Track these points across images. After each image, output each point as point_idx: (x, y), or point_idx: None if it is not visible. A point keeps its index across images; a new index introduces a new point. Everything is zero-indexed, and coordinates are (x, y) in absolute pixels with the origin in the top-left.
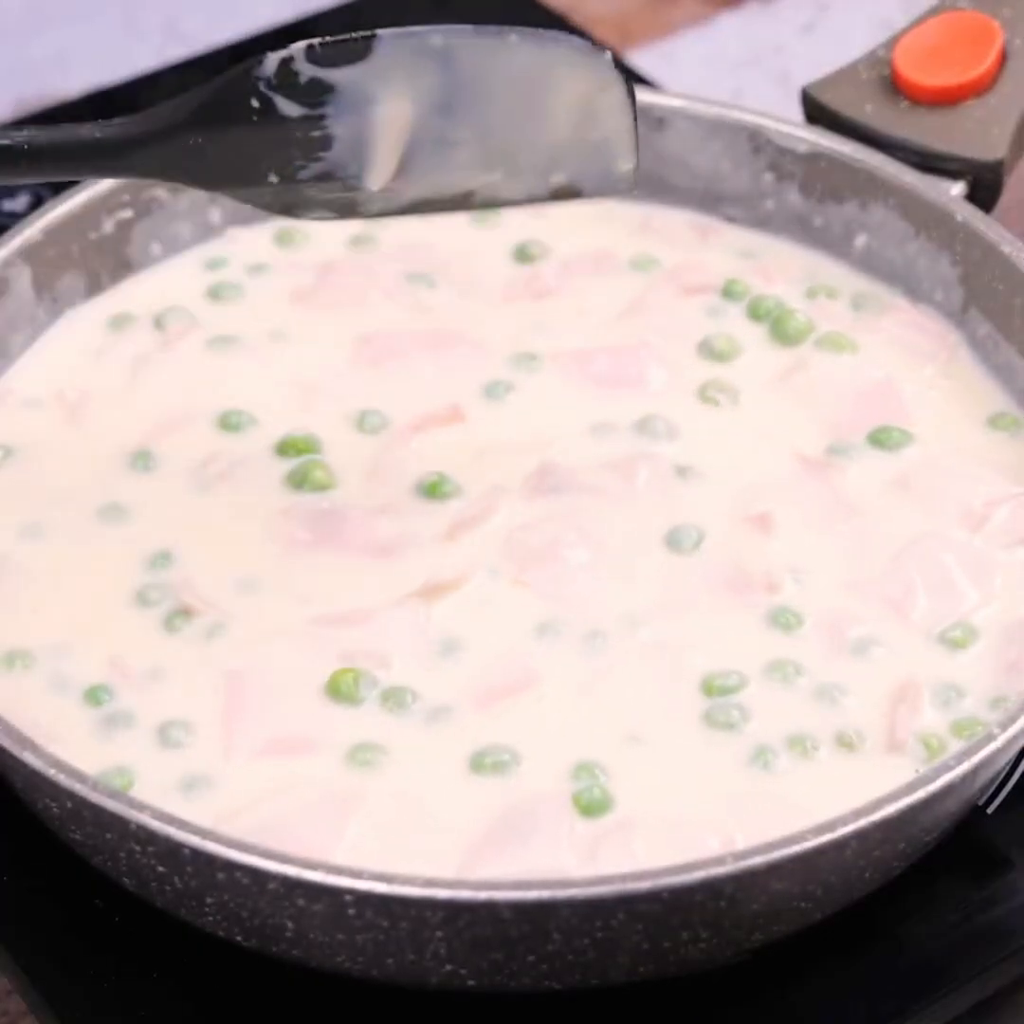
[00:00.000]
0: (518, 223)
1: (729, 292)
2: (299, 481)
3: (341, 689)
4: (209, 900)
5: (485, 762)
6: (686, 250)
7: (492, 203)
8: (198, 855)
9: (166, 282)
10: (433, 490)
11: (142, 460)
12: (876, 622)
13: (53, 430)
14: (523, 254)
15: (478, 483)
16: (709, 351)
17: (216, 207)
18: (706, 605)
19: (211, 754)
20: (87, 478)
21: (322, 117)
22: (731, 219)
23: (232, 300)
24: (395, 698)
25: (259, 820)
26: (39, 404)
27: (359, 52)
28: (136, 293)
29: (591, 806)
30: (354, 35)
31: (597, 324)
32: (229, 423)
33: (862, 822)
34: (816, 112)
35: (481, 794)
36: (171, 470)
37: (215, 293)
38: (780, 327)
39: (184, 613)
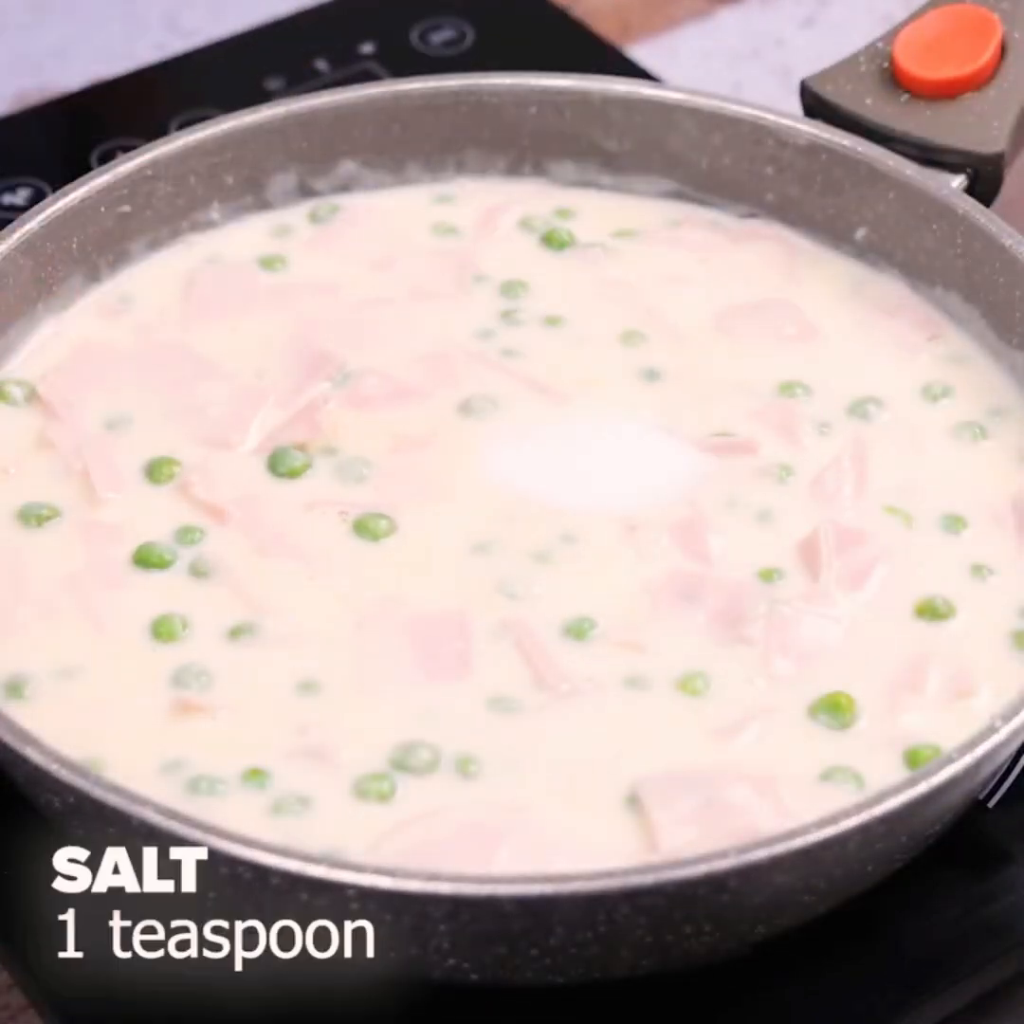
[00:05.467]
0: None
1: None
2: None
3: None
4: (210, 895)
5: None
6: (659, 241)
7: None
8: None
9: (164, 275)
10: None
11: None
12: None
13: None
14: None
15: None
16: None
17: (215, 202)
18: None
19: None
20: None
21: None
22: (728, 211)
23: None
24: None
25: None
26: (38, 396)
27: None
28: (135, 286)
29: None
30: None
31: (589, 299)
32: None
33: (864, 816)
34: (816, 105)
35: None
36: None
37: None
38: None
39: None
